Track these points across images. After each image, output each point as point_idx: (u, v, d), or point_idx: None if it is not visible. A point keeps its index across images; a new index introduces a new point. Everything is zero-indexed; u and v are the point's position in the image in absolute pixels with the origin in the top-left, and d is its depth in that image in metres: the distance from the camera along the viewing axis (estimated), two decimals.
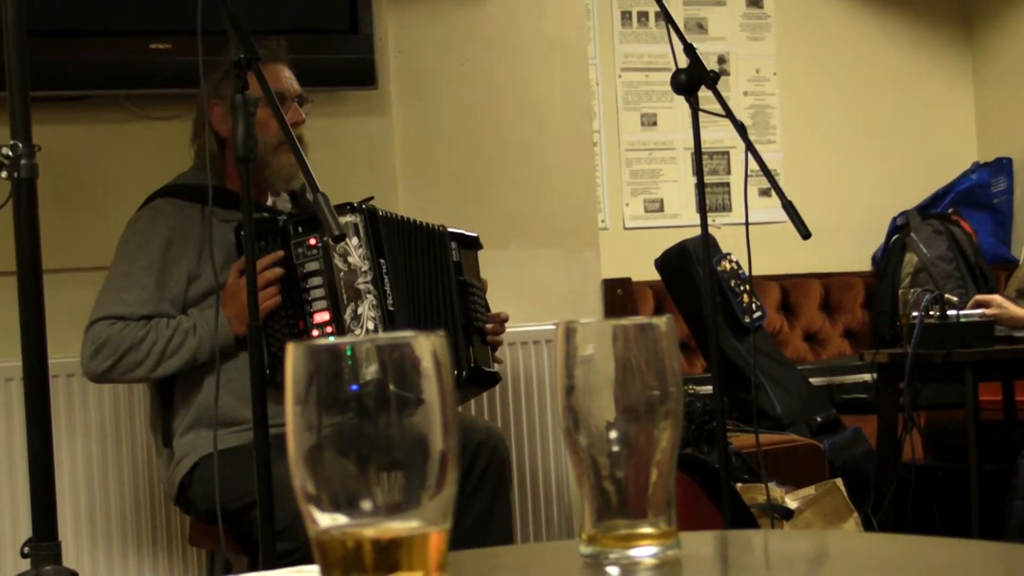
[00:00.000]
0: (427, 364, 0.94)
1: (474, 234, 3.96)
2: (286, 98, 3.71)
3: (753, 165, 3.36)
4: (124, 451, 4.23)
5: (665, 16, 3.52)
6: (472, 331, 3.81)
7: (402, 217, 3.78)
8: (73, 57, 4.17)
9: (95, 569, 4.18)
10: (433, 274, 3.79)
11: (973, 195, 7.11)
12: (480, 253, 3.99)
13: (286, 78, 3.77)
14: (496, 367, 3.91)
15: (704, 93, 3.48)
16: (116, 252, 3.69)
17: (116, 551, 4.21)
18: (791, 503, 4.27)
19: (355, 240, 3.55)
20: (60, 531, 2.87)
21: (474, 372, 3.78)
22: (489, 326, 3.87)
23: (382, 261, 3.59)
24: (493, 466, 3.72)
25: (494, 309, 3.93)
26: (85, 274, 4.04)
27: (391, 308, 3.56)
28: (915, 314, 4.76)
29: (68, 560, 3.01)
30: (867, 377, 5.77)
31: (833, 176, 7.09)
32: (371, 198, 3.69)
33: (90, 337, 3.57)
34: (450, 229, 3.89)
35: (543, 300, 4.74)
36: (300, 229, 3.58)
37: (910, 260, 6.69)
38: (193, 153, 3.82)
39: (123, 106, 4.32)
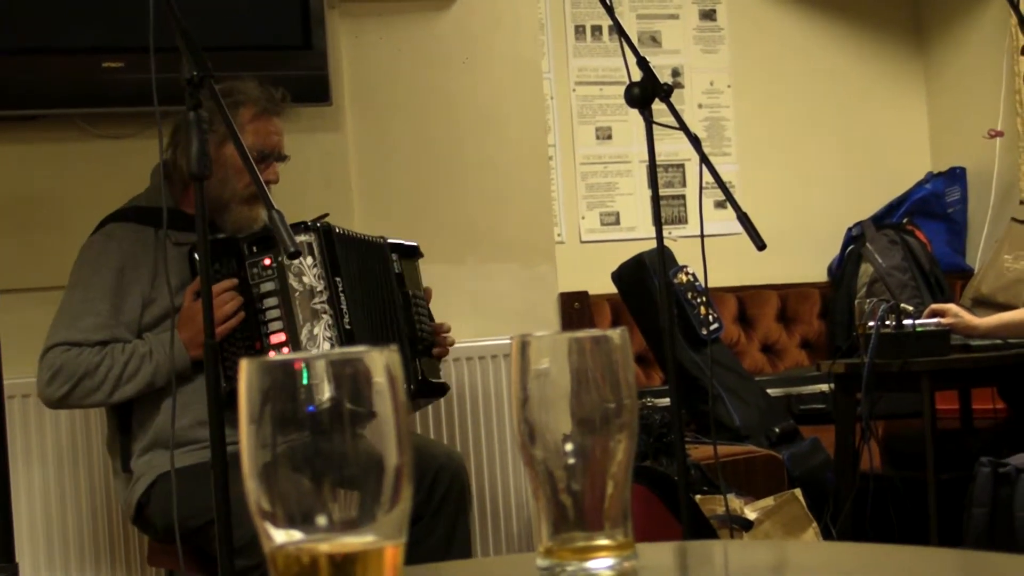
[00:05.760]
0: (380, 379, 0.94)
1: (414, 243, 3.94)
2: (268, 157, 3.69)
3: (708, 177, 3.36)
4: (81, 472, 4.20)
5: (618, 30, 3.53)
6: (418, 343, 3.80)
7: (353, 233, 3.76)
8: (25, 76, 4.14)
9: None
10: (380, 288, 3.77)
11: (927, 205, 7.14)
12: (436, 268, 3.98)
13: (275, 134, 3.74)
14: (443, 378, 3.91)
15: (658, 106, 3.48)
16: (70, 278, 3.67)
17: (74, 572, 4.18)
18: (750, 514, 4.28)
19: (309, 260, 3.53)
20: (17, 553, 2.85)
21: (422, 384, 3.78)
22: (436, 349, 3.85)
23: (338, 280, 3.56)
24: (453, 491, 3.70)
25: (451, 323, 3.92)
26: (38, 294, 4.02)
27: (348, 327, 3.54)
28: (871, 324, 4.77)
29: None
30: (824, 387, 5.79)
31: (788, 187, 7.12)
32: (326, 215, 3.67)
33: (45, 363, 3.54)
34: (390, 240, 3.87)
35: (499, 314, 4.74)
36: (255, 249, 3.56)
37: (866, 270, 6.72)
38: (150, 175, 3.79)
39: (77, 125, 4.30)
